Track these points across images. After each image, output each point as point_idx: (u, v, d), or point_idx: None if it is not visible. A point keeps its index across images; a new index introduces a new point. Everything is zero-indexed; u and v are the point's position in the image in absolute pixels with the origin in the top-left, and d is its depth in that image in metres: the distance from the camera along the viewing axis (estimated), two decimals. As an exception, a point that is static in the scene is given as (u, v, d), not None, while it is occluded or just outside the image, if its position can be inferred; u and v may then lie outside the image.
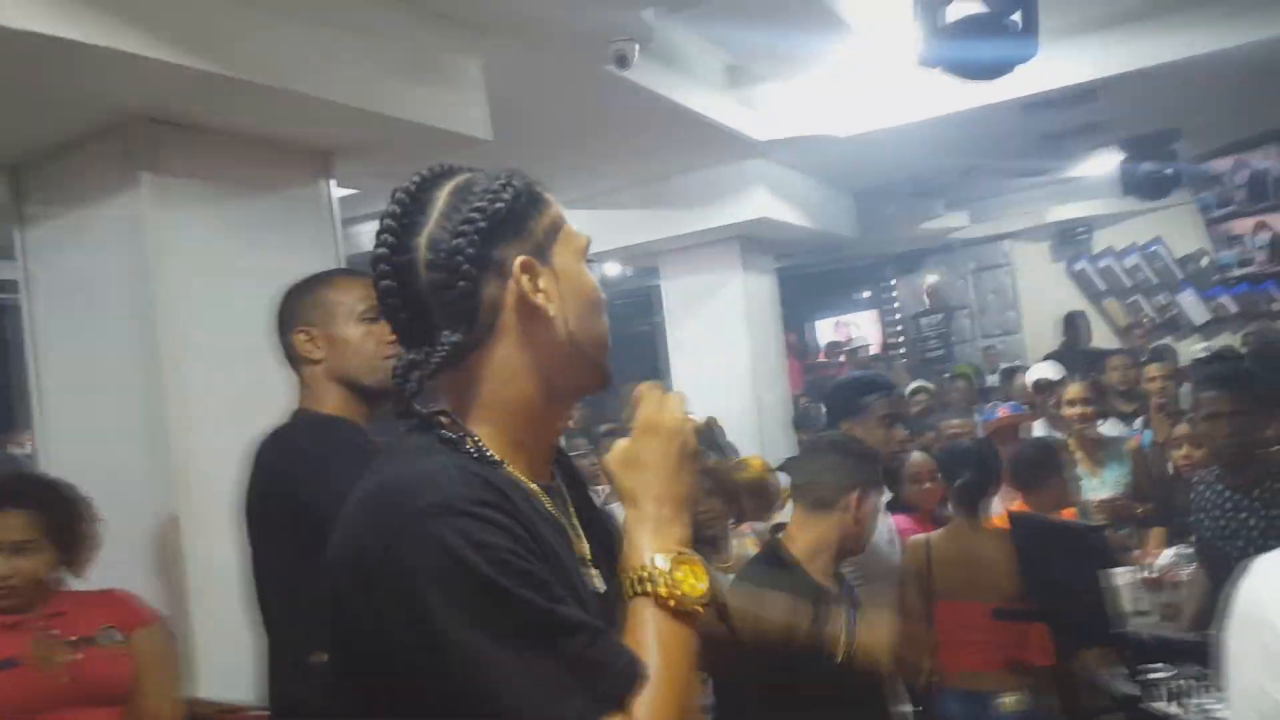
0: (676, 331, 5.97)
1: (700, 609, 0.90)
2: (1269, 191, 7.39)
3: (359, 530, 0.88)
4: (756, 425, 5.42)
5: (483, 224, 0.93)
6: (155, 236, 2.47)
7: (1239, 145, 7.33)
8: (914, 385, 6.09)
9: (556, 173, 4.67)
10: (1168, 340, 8.48)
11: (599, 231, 5.13)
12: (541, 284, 0.95)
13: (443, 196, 0.96)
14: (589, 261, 1.04)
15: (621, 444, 0.98)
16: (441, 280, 0.93)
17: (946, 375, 6.81)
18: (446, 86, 2.78)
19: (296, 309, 1.75)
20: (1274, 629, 0.89)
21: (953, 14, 3.31)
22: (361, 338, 1.71)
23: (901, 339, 10.29)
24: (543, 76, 3.19)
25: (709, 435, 4.75)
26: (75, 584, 2.21)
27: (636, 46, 3.00)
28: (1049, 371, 5.24)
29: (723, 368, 5.64)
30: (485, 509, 0.84)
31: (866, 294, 10.89)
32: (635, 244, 5.58)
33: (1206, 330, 8.87)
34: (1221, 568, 2.71)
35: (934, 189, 7.62)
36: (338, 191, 2.96)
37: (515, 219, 0.96)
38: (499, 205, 0.94)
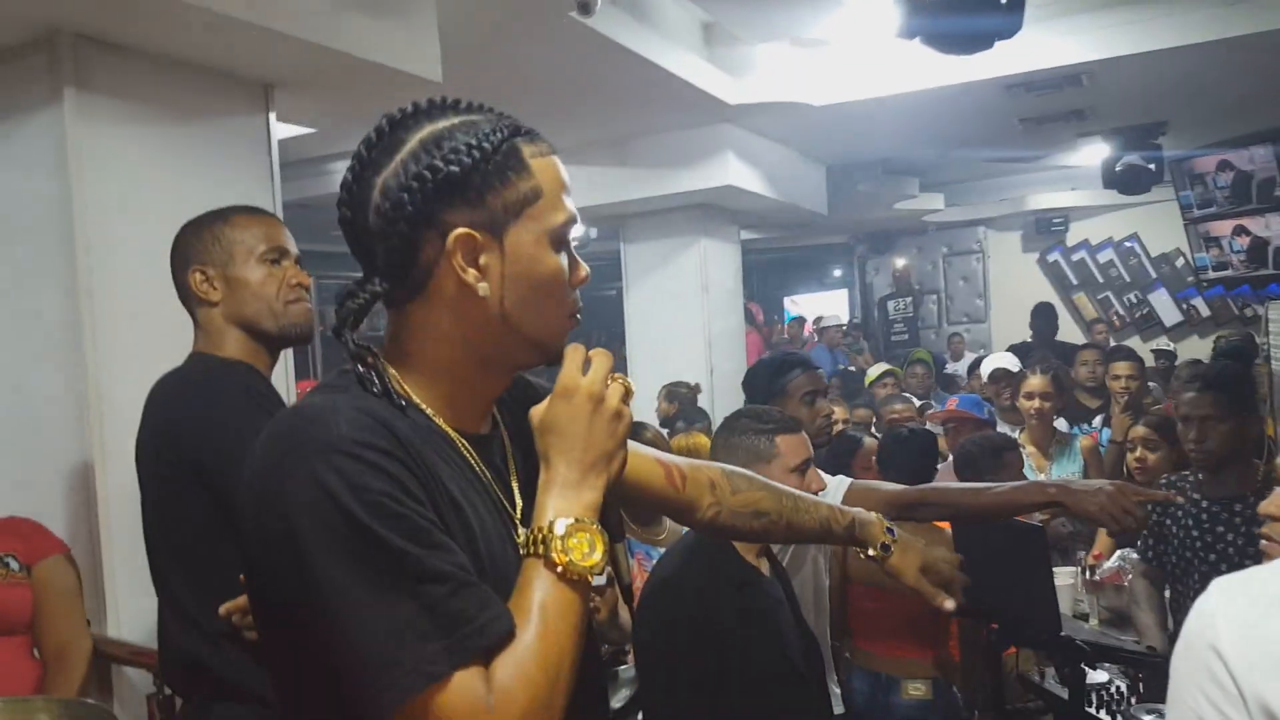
0: (635, 296, 5.97)
1: (590, 578, 0.92)
2: (1252, 194, 7.49)
3: (254, 461, 0.91)
4: (709, 395, 5.45)
5: (430, 184, 0.93)
6: (79, 157, 2.39)
7: (1225, 144, 7.42)
8: (879, 369, 6.15)
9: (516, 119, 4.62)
10: (1136, 340, 8.64)
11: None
12: (482, 260, 0.95)
13: (412, 140, 0.95)
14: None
15: (540, 405, 0.99)
16: (382, 228, 0.94)
17: (906, 360, 6.88)
18: (396, 23, 2.71)
19: (193, 246, 1.69)
20: (1220, 656, 0.88)
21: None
22: (263, 280, 1.67)
23: (869, 320, 10.38)
24: (501, 19, 3.14)
25: (686, 400, 4.83)
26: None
27: (601, -7, 2.96)
28: (1006, 363, 5.30)
29: (679, 336, 5.68)
30: (368, 451, 0.86)
31: (838, 272, 10.96)
32: (599, 205, 5.54)
33: (1176, 332, 9.05)
34: (1186, 578, 2.77)
35: (910, 168, 7.65)
36: (281, 127, 2.90)
37: (470, 185, 0.94)
38: (453, 168, 0.93)
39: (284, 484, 0.86)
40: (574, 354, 0.99)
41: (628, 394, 1.01)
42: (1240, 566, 2.59)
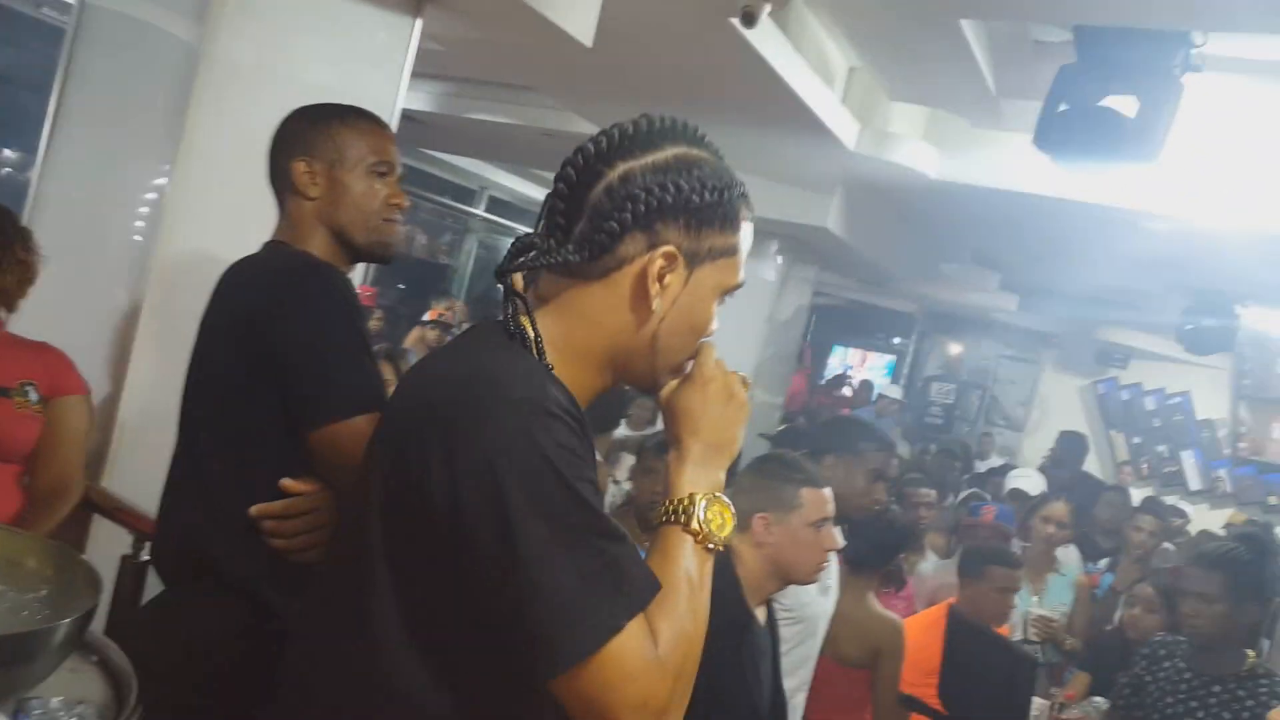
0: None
1: (720, 547, 0.98)
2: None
3: (451, 406, 0.90)
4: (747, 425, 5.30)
5: (671, 198, 0.96)
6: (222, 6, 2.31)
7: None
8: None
9: (641, 104, 4.48)
10: (1153, 492, 8.35)
11: None
12: (667, 279, 0.98)
13: (668, 150, 0.98)
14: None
15: (674, 390, 1.04)
16: (604, 207, 0.96)
17: (933, 447, 6.66)
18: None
19: (305, 136, 1.57)
20: None
21: (1077, 100, 3.16)
22: (366, 190, 1.55)
23: (910, 394, 10.15)
24: (664, 7, 2.99)
25: None
26: (15, 327, 2.09)
27: (768, 7, 2.81)
28: (1028, 484, 5.12)
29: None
30: (567, 415, 0.90)
31: (894, 340, 10.73)
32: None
33: (1196, 497, 8.73)
34: None
35: (996, 261, 7.42)
36: (416, 38, 2.78)
37: (699, 216, 0.98)
38: (697, 196, 0.97)
39: (495, 434, 0.87)
40: (709, 348, 1.05)
41: (746, 386, 1.07)
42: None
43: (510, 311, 0.97)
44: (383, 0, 2.53)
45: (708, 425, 1.02)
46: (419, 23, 2.60)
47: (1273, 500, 8.13)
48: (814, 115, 3.93)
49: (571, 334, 0.99)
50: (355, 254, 1.58)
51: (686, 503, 0.97)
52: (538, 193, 9.02)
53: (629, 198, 0.95)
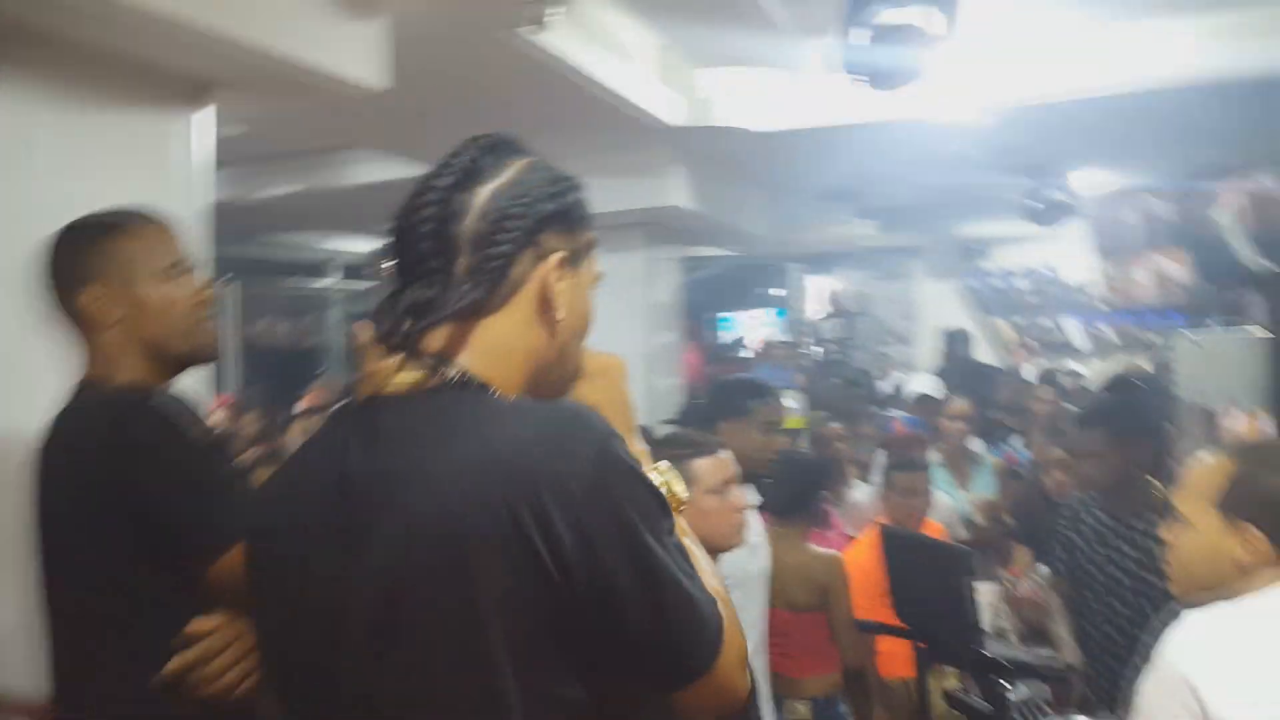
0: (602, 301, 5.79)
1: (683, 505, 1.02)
2: (1156, 231, 7.63)
3: (545, 479, 0.83)
4: (647, 413, 5.30)
5: (547, 205, 0.95)
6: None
7: (1135, 182, 7.54)
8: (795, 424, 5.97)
9: (457, 132, 4.44)
10: (1046, 363, 8.71)
11: None
12: (562, 285, 0.96)
13: (519, 164, 0.97)
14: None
15: (579, 390, 1.03)
16: (485, 235, 0.92)
17: (839, 380, 6.80)
18: (346, 28, 2.53)
19: (82, 261, 1.43)
20: (1191, 686, 0.93)
21: (872, 22, 3.26)
22: (168, 296, 1.44)
23: (803, 338, 10.34)
24: (453, 27, 2.96)
25: None
26: None
27: (558, 10, 2.81)
28: (930, 388, 5.28)
29: (617, 350, 5.51)
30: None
31: (774, 291, 10.90)
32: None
33: (1086, 356, 9.14)
34: (1087, 590, 2.78)
35: (845, 195, 7.61)
36: (211, 129, 2.68)
37: (570, 216, 0.98)
38: (568, 198, 0.98)
39: (606, 469, 0.85)
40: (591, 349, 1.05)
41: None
42: (1140, 580, 2.64)
43: (445, 370, 0.91)
44: (157, 100, 2.43)
45: (619, 411, 1.02)
46: (205, 113, 2.52)
47: (1153, 337, 8.56)
48: (632, 103, 3.96)
49: (494, 373, 0.93)
50: (177, 364, 1.49)
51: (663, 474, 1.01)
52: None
53: (507, 217, 0.93)
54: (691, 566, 0.89)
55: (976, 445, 4.59)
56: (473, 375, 0.91)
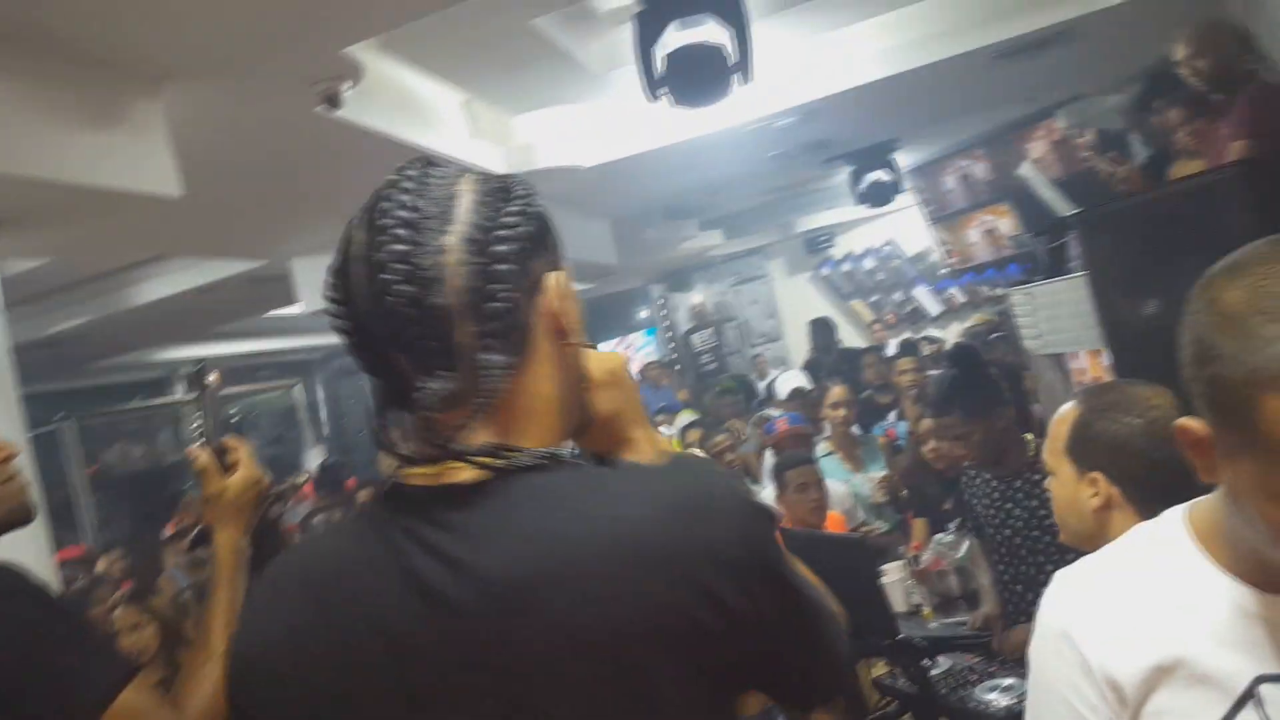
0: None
1: None
2: (981, 190, 8.01)
3: (701, 542, 0.75)
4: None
5: (525, 229, 0.80)
6: None
7: (952, 152, 7.90)
8: (685, 419, 6.00)
9: (272, 225, 4.28)
10: (908, 334, 9.02)
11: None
12: (565, 305, 0.84)
13: (468, 192, 0.79)
14: None
15: (597, 399, 0.93)
16: (479, 289, 0.77)
17: (716, 390, 6.85)
18: (124, 140, 2.38)
19: None
20: (1071, 640, 0.93)
21: (669, 45, 3.31)
22: None
23: (677, 356, 10.42)
24: (245, 122, 2.84)
25: None
26: None
27: (348, 85, 2.72)
28: (799, 380, 5.35)
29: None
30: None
31: (642, 314, 10.96)
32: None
33: (940, 320, 9.51)
34: (993, 552, 2.84)
35: (688, 210, 7.71)
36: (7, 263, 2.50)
37: (544, 229, 0.84)
38: (532, 210, 0.82)
39: (751, 532, 0.77)
40: (587, 349, 0.92)
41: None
42: (1028, 537, 2.72)
43: (507, 455, 0.77)
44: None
45: (637, 411, 0.96)
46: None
47: (998, 292, 8.97)
48: (450, 158, 3.89)
49: (543, 433, 0.82)
50: None
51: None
52: (226, 349, 8.41)
53: (496, 260, 0.77)
54: (805, 575, 0.85)
55: (856, 430, 4.67)
56: (536, 450, 0.78)
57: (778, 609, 0.78)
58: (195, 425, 1.46)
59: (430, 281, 0.76)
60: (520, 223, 0.80)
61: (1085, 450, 1.35)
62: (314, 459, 9.42)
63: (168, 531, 5.44)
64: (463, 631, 0.74)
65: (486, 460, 0.77)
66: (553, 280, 0.83)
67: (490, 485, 0.77)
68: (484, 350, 0.77)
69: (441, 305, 0.76)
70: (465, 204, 0.79)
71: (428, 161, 0.83)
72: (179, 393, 8.75)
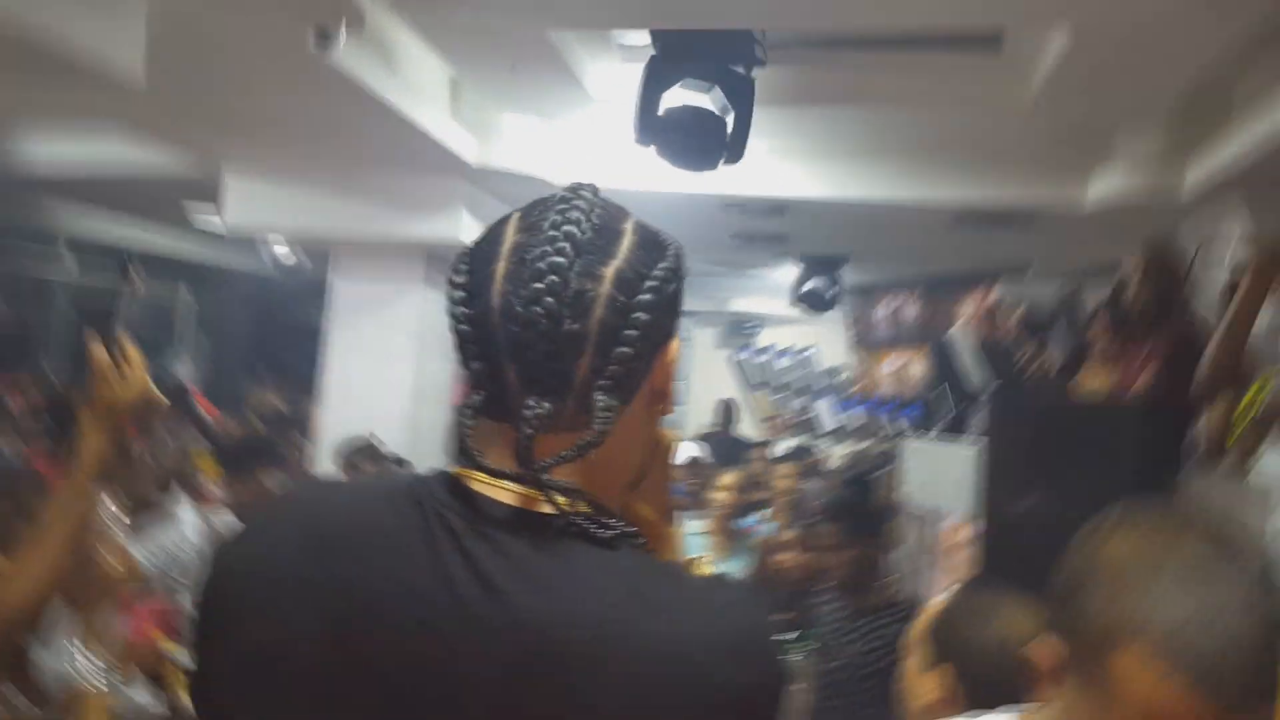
0: (341, 332, 5.48)
1: None
2: (906, 330, 8.28)
3: (738, 682, 0.72)
4: (412, 444, 5.07)
5: (672, 287, 0.79)
6: None
7: (892, 285, 8.16)
8: None
9: (220, 137, 4.13)
10: (803, 439, 9.19)
11: (271, 207, 4.49)
12: (672, 372, 0.82)
13: (629, 231, 0.79)
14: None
15: (659, 474, 0.91)
16: (617, 329, 0.75)
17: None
18: (97, 10, 2.26)
19: None
20: None
21: (671, 100, 3.34)
22: None
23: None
24: (233, 28, 2.73)
25: (369, 450, 4.38)
26: None
27: (343, 29, 2.65)
28: (697, 452, 5.38)
29: (384, 380, 5.25)
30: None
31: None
32: (312, 230, 5.07)
33: (830, 438, 9.72)
34: (828, 679, 2.88)
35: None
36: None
37: (680, 300, 0.82)
38: (679, 276, 0.81)
39: (777, 692, 0.75)
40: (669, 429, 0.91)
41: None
42: (855, 674, 2.78)
43: (582, 516, 0.74)
44: None
45: (669, 497, 0.92)
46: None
47: (889, 429, 9.24)
48: (424, 133, 3.83)
49: (607, 490, 0.79)
50: None
51: None
52: (127, 232, 7.98)
53: (639, 308, 0.76)
54: None
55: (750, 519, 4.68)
56: (623, 523, 0.77)
57: None
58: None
59: (576, 305, 0.74)
60: (670, 279, 0.79)
61: (944, 643, 1.39)
62: (183, 372, 9.01)
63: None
64: (473, 661, 0.70)
65: (582, 509, 0.75)
66: (675, 344, 0.82)
67: (563, 533, 0.74)
68: (601, 390, 0.75)
69: (577, 332, 0.74)
70: (627, 244, 0.78)
71: (596, 190, 0.82)
72: (61, 265, 8.27)
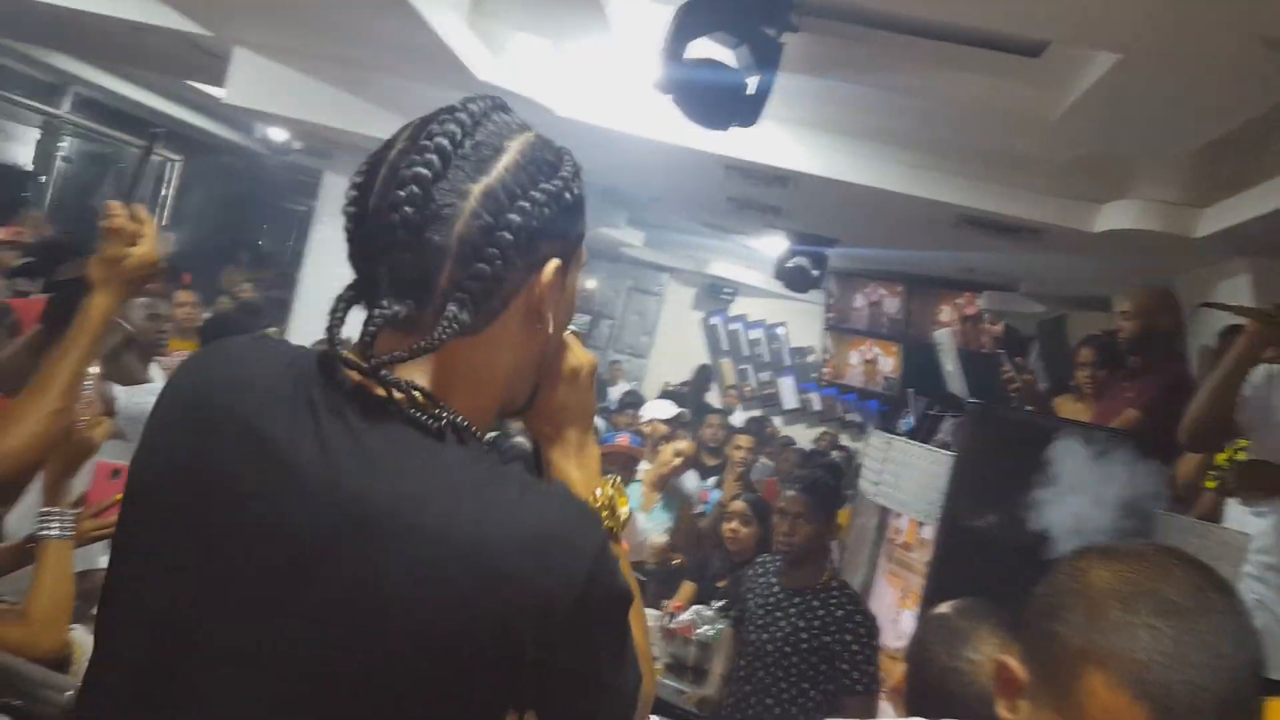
0: (324, 229, 5.36)
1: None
2: (882, 322, 8.29)
3: (540, 582, 0.76)
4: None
5: (546, 208, 0.81)
6: None
7: (875, 274, 8.14)
8: None
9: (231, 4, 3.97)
10: (757, 412, 9.23)
11: (275, 89, 4.33)
12: (553, 295, 0.85)
13: (514, 149, 0.81)
14: None
15: (551, 393, 0.95)
16: (478, 245, 0.78)
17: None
18: None
19: None
20: None
21: (698, 51, 3.25)
22: None
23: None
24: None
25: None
26: None
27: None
28: (664, 411, 5.38)
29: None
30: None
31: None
32: (316, 123, 4.93)
33: (790, 416, 9.78)
34: (743, 647, 2.93)
35: (623, 200, 7.65)
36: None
37: (571, 215, 0.85)
38: (568, 194, 0.84)
39: (591, 603, 0.78)
40: (573, 337, 0.96)
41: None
42: (781, 650, 2.80)
43: (415, 408, 0.78)
44: None
45: (584, 412, 0.97)
46: None
47: (849, 417, 9.31)
48: (436, 35, 3.69)
49: (470, 401, 0.82)
50: None
51: (602, 505, 0.95)
52: (133, 92, 7.80)
53: (505, 227, 0.78)
54: (633, 653, 0.85)
55: (693, 479, 4.69)
56: (458, 414, 0.79)
57: (569, 682, 0.80)
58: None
59: (437, 218, 0.77)
60: (546, 202, 0.81)
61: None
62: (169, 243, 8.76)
63: (2, 235, 5.04)
64: (294, 515, 0.75)
65: (399, 398, 0.78)
66: (551, 267, 0.83)
67: (394, 418, 0.78)
68: (455, 303, 0.78)
69: (438, 244, 0.78)
70: (506, 162, 0.80)
71: (499, 105, 0.84)
72: (66, 108, 8.02)
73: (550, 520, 0.78)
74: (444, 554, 0.74)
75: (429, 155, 0.77)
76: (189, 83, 6.84)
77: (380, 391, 0.78)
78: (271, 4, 3.70)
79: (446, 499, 0.76)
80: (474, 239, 0.78)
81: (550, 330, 0.86)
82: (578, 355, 0.96)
